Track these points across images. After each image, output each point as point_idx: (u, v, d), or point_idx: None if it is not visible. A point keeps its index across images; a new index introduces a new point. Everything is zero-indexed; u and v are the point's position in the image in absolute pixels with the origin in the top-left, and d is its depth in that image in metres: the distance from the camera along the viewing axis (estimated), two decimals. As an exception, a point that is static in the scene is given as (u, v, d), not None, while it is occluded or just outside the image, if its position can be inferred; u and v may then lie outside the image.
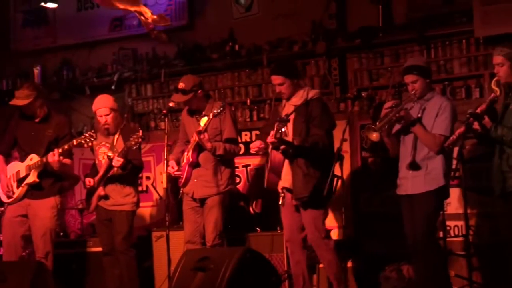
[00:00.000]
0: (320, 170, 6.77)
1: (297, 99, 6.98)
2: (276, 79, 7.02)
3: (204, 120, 7.44)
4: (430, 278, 6.47)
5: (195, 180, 7.60)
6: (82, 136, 7.51)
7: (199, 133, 7.34)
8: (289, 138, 6.84)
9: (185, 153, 7.65)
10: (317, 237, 6.88)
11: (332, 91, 9.22)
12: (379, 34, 8.99)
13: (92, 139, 7.51)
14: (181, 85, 7.62)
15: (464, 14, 8.43)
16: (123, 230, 7.83)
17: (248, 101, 9.74)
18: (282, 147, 6.72)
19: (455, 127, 6.52)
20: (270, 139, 6.73)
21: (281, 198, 7.02)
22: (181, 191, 7.72)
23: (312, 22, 9.42)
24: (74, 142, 7.48)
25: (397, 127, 6.69)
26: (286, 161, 6.93)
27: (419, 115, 6.58)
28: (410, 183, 6.60)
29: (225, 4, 10.27)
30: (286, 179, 6.93)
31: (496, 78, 6.16)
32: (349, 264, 7.56)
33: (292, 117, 6.91)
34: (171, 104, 7.81)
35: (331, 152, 6.88)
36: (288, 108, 7.00)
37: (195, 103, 7.66)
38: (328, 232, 7.03)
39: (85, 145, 7.58)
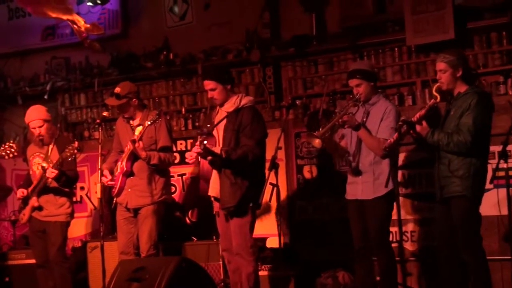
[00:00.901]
0: (248, 179, 6.65)
1: (230, 105, 6.82)
2: (208, 84, 6.84)
3: (139, 129, 7.37)
4: (383, 281, 6.61)
5: (129, 189, 7.51)
6: (1, 148, 7.42)
7: (134, 141, 7.27)
8: (219, 146, 6.77)
9: (119, 163, 7.56)
10: (242, 247, 6.73)
11: (267, 99, 9.26)
12: (313, 43, 9.06)
13: (13, 150, 7.41)
14: (117, 89, 7.55)
15: (396, 23, 8.55)
16: (57, 241, 7.72)
17: (183, 110, 9.71)
18: (209, 158, 6.67)
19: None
20: (196, 149, 6.67)
21: (215, 209, 6.96)
22: (114, 201, 7.63)
23: (246, 31, 9.45)
24: None
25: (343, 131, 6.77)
26: (214, 170, 6.88)
27: (364, 120, 6.64)
28: (360, 189, 6.67)
29: (159, 12, 10.25)
30: (213, 188, 6.83)
31: (437, 84, 6.23)
32: (286, 272, 7.56)
33: (223, 123, 6.85)
34: (105, 114, 7.72)
35: (262, 161, 6.81)
36: (221, 114, 6.93)
37: (129, 110, 7.59)
38: (255, 242, 6.93)
39: (6, 157, 7.49)
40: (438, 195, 6.20)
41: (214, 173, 6.81)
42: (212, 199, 6.91)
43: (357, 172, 6.62)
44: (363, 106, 6.67)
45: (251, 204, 6.65)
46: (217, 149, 6.60)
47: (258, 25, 9.39)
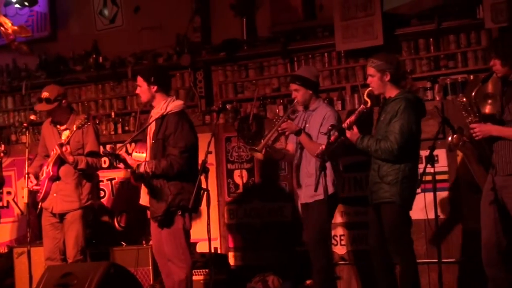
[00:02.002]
0: (176, 188, 6.63)
1: (157, 111, 6.72)
2: (137, 80, 6.80)
3: (66, 133, 7.28)
4: (318, 284, 6.65)
5: (55, 194, 7.40)
6: None
7: (61, 145, 7.17)
8: (147, 153, 6.74)
9: (45, 167, 7.44)
10: (174, 253, 6.69)
11: (197, 104, 9.24)
12: (243, 47, 9.08)
13: None
14: (44, 94, 7.45)
15: (326, 28, 8.61)
16: None
17: (113, 113, 9.60)
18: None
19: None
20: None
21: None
22: (39, 206, 7.50)
23: (177, 35, 9.41)
24: None
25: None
26: None
27: (303, 125, 6.71)
28: (303, 192, 6.77)
29: (89, 15, 10.16)
30: (143, 197, 6.81)
31: (369, 89, 6.30)
32: (216, 276, 7.54)
33: (152, 130, 6.77)
34: (32, 117, 7.66)
35: (190, 168, 6.69)
36: (150, 119, 6.88)
37: (59, 113, 7.49)
38: (189, 249, 6.84)
39: None
40: (369, 200, 6.27)
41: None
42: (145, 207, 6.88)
43: (301, 177, 6.71)
44: (305, 112, 6.76)
45: (179, 212, 6.60)
46: (141, 165, 6.55)
47: (189, 29, 9.36)
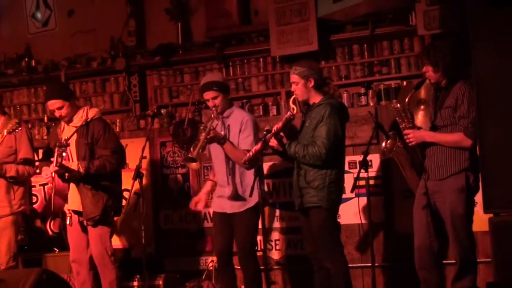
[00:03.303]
0: (108, 189, 6.72)
1: (77, 120, 6.83)
2: (54, 103, 6.80)
3: None
4: None
5: None
6: None
7: None
8: (73, 161, 6.71)
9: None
10: (104, 255, 6.77)
11: (131, 108, 9.18)
12: (178, 52, 9.05)
13: None
14: None
15: (261, 33, 8.64)
16: None
17: (45, 118, 9.48)
18: (67, 174, 6.66)
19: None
20: (52, 168, 6.58)
21: (68, 218, 6.87)
22: None
23: (111, 39, 9.34)
24: None
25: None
26: (72, 184, 6.80)
27: (224, 133, 6.64)
28: (228, 203, 6.67)
29: (21, 18, 10.03)
30: (73, 202, 6.79)
31: (293, 96, 6.32)
32: (150, 281, 7.50)
33: (74, 139, 6.78)
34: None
35: (119, 171, 6.90)
36: (68, 130, 6.85)
37: None
38: (113, 251, 6.90)
39: None
40: (296, 204, 6.30)
41: (72, 187, 6.75)
42: (70, 212, 6.83)
43: (236, 198, 6.64)
44: (220, 119, 6.66)
45: (112, 213, 6.77)
46: (74, 164, 6.66)
47: (123, 33, 9.30)
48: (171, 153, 8.57)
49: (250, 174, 6.54)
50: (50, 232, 8.40)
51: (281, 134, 6.18)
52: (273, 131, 6.14)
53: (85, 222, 6.79)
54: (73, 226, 6.89)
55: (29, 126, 9.30)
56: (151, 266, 7.64)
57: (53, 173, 6.68)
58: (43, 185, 8.91)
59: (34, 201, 8.67)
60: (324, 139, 6.02)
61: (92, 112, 6.89)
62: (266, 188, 7.36)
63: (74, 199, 6.79)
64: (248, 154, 6.27)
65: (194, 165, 6.41)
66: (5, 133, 7.08)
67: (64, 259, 7.80)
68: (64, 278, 6.97)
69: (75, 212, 6.83)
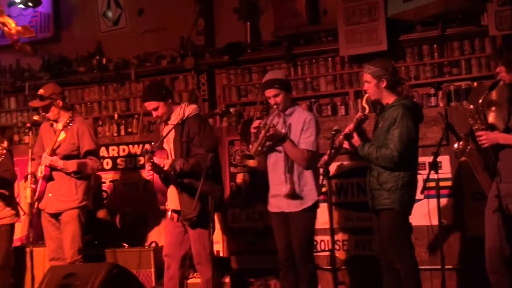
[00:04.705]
0: (208, 188, 6.52)
1: (174, 118, 6.81)
2: (150, 105, 6.84)
3: (63, 135, 7.31)
4: None
5: (50, 194, 7.40)
6: None
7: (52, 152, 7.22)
8: (171, 158, 6.74)
9: (40, 166, 7.43)
10: (201, 254, 6.75)
11: (200, 107, 9.24)
12: (247, 51, 9.10)
13: None
14: (40, 91, 7.53)
15: (330, 33, 8.63)
16: (3, 245, 7.68)
17: (116, 115, 9.62)
18: (162, 175, 6.71)
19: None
20: (146, 173, 6.76)
21: (168, 213, 6.90)
22: (35, 206, 7.49)
23: (181, 38, 9.42)
24: None
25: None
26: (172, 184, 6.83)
27: (286, 131, 6.60)
28: (285, 202, 6.61)
29: (92, 17, 10.18)
30: (172, 201, 6.80)
31: (367, 95, 6.30)
32: (218, 279, 7.55)
33: (172, 136, 6.83)
34: (35, 118, 7.66)
35: (217, 167, 6.82)
36: (168, 127, 6.90)
37: (52, 111, 7.49)
38: (211, 250, 6.67)
39: None
40: (370, 205, 6.29)
41: (171, 187, 6.78)
42: (170, 211, 6.87)
43: (293, 196, 6.58)
44: (281, 117, 6.62)
45: (212, 212, 6.57)
46: (167, 163, 6.63)
47: (193, 32, 9.38)
48: (239, 151, 8.61)
49: (308, 174, 6.55)
50: (119, 227, 8.52)
51: (354, 135, 6.18)
52: (344, 132, 6.14)
53: (183, 222, 6.82)
54: (171, 222, 6.91)
55: (100, 123, 9.47)
56: (219, 264, 7.67)
57: (148, 177, 6.97)
58: (113, 181, 9.07)
59: (104, 196, 8.81)
60: (396, 142, 5.99)
61: (189, 110, 6.83)
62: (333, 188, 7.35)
63: (173, 198, 6.78)
64: (323, 158, 6.29)
65: (251, 163, 6.37)
66: (60, 128, 7.23)
67: (133, 254, 7.95)
68: (133, 273, 7.09)
69: (175, 211, 6.86)
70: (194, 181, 6.60)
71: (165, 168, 6.61)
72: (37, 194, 7.37)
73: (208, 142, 6.76)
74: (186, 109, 6.83)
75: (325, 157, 6.28)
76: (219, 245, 8.38)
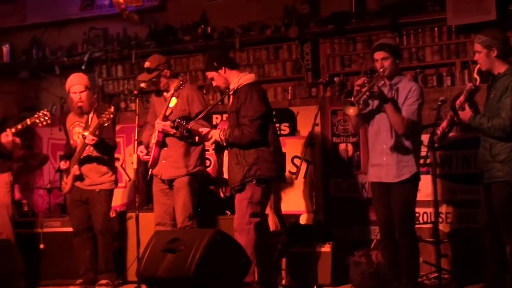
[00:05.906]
0: (251, 158, 6.67)
1: (232, 87, 6.87)
2: (208, 75, 7.02)
3: (174, 101, 7.43)
4: (406, 261, 6.58)
5: (163, 161, 7.54)
6: (36, 116, 7.53)
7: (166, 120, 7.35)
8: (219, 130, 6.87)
9: (154, 133, 7.58)
10: (239, 222, 6.77)
11: (303, 76, 9.24)
12: (351, 20, 9.01)
13: (46, 118, 7.50)
14: (146, 64, 7.64)
15: (437, 2, 8.47)
16: (102, 210, 7.85)
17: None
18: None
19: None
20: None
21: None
22: (149, 172, 7.67)
23: (285, 7, 9.41)
24: (28, 121, 7.56)
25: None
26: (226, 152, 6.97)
27: (390, 95, 6.55)
28: (384, 171, 6.60)
29: (199, -14, 10.24)
30: (225, 171, 6.96)
31: (478, 66, 6.20)
32: (319, 248, 7.57)
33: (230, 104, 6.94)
34: (142, 85, 7.79)
35: (265, 136, 6.74)
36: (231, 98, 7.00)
37: (161, 82, 7.62)
38: (252, 219, 6.78)
39: (39, 124, 7.58)
40: (481, 179, 6.17)
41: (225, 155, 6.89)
42: None
43: (396, 149, 6.56)
44: (387, 85, 6.59)
45: (254, 181, 6.68)
46: (215, 133, 6.80)
47: (297, 1, 9.34)
48: (342, 121, 8.57)
49: (408, 144, 6.51)
50: (222, 195, 8.61)
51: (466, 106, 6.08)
52: (457, 105, 6.05)
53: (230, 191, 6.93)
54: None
55: (204, 92, 9.57)
56: (320, 233, 7.68)
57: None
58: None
59: (207, 164, 8.91)
60: (509, 110, 5.86)
61: (243, 79, 6.83)
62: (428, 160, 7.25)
63: (226, 168, 6.94)
64: (438, 134, 6.28)
65: (351, 111, 6.33)
66: (172, 92, 7.33)
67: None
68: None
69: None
70: (238, 151, 6.70)
71: (216, 137, 6.74)
72: (150, 160, 7.52)
73: (252, 111, 6.67)
74: (242, 78, 6.83)
75: (438, 134, 6.24)
76: (320, 214, 8.38)
